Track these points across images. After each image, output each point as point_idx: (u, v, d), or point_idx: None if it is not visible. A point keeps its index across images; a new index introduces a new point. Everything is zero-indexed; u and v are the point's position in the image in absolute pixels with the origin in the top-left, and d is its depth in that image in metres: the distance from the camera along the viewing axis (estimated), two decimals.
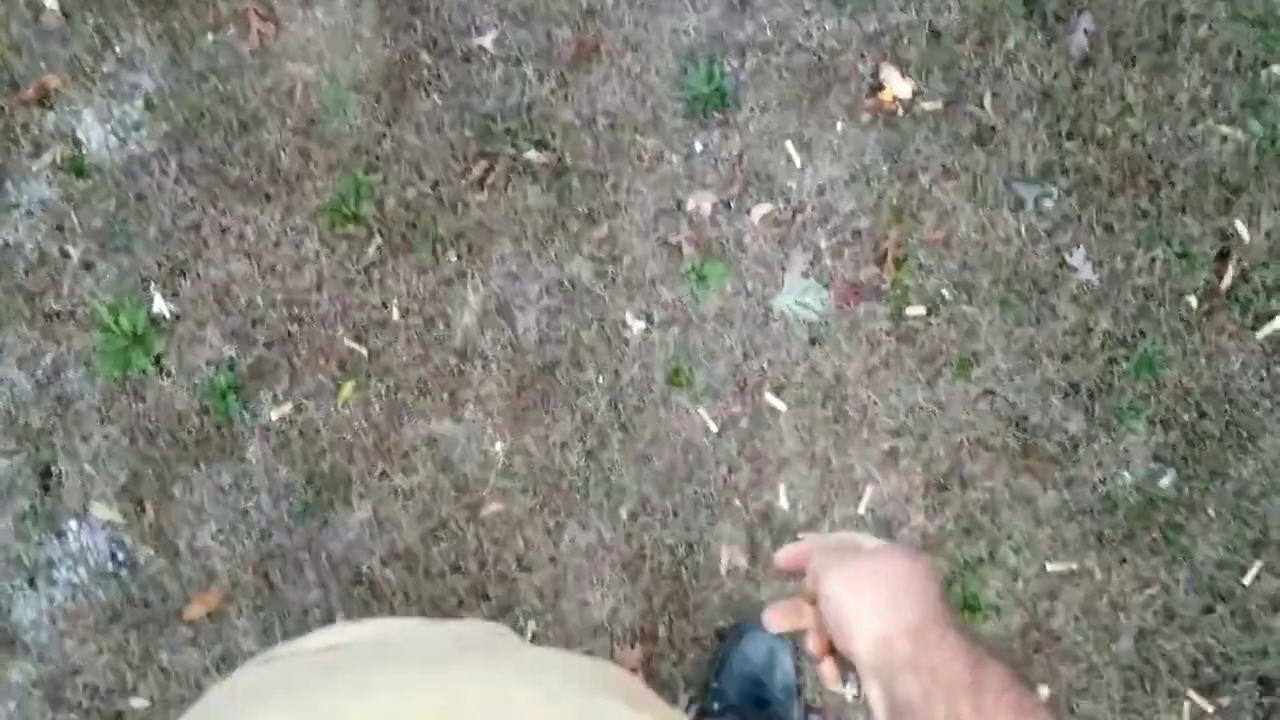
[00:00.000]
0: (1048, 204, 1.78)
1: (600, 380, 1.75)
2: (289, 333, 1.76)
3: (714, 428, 1.74)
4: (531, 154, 1.80)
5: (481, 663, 0.72)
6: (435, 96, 1.82)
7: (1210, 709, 1.66)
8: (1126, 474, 1.72)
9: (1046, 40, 1.81)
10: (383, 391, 1.75)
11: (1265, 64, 1.81)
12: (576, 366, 1.76)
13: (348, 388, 1.75)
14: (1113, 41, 1.81)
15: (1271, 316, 1.75)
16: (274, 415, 1.75)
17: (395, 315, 1.77)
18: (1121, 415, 1.73)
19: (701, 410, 1.75)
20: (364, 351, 1.76)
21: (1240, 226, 1.77)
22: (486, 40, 1.83)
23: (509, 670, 0.69)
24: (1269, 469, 1.71)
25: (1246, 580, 1.69)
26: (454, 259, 1.78)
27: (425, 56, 1.83)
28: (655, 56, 1.83)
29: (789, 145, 1.80)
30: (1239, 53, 1.81)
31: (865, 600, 0.64)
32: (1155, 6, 1.82)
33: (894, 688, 0.60)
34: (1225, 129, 1.79)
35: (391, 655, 0.73)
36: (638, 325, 1.77)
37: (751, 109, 1.81)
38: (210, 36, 1.84)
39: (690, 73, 1.81)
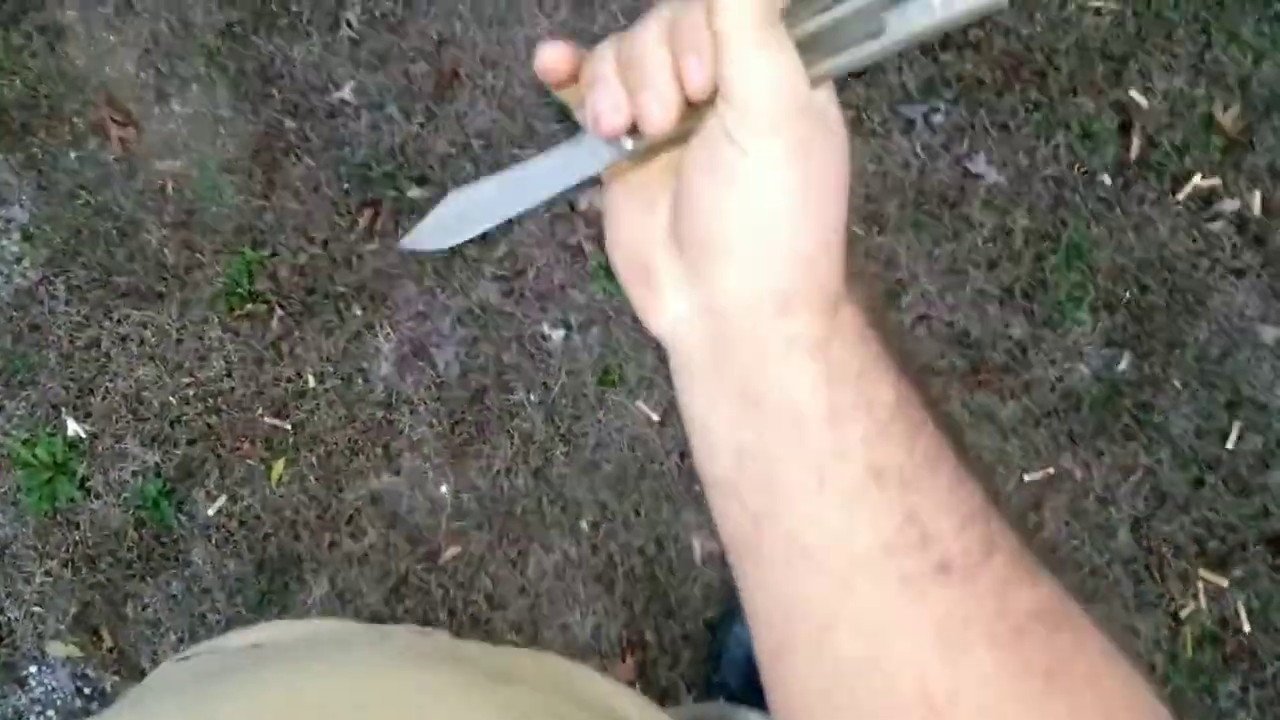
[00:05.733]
0: (937, 119, 1.74)
1: (531, 397, 1.70)
2: (209, 425, 1.72)
3: (655, 417, 1.69)
4: (414, 191, 1.77)
5: (414, 663, 0.65)
6: (306, 159, 1.79)
7: (1225, 583, 1.58)
8: (1082, 366, 1.66)
9: None
10: (315, 461, 1.70)
11: None
12: (505, 389, 1.71)
13: (279, 466, 1.70)
14: None
15: (1188, 176, 1.71)
16: (210, 511, 1.69)
17: (312, 382, 1.72)
18: (1063, 309, 1.67)
19: (639, 403, 1.69)
20: (288, 426, 1.71)
21: (1136, 95, 1.73)
22: (345, 92, 1.80)
23: (431, 666, 0.62)
24: (1224, 326, 1.66)
25: (1230, 444, 1.62)
26: (359, 313, 1.74)
27: (289, 122, 1.80)
28: (516, 69, 1.80)
29: None
30: None
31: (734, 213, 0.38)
32: None
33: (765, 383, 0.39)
34: (1097, 2, 1.76)
35: (321, 654, 0.66)
36: (557, 334, 1.72)
37: None
38: (73, 154, 1.81)
39: None
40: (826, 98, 0.39)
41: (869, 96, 1.75)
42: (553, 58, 0.41)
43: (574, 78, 0.41)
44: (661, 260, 0.41)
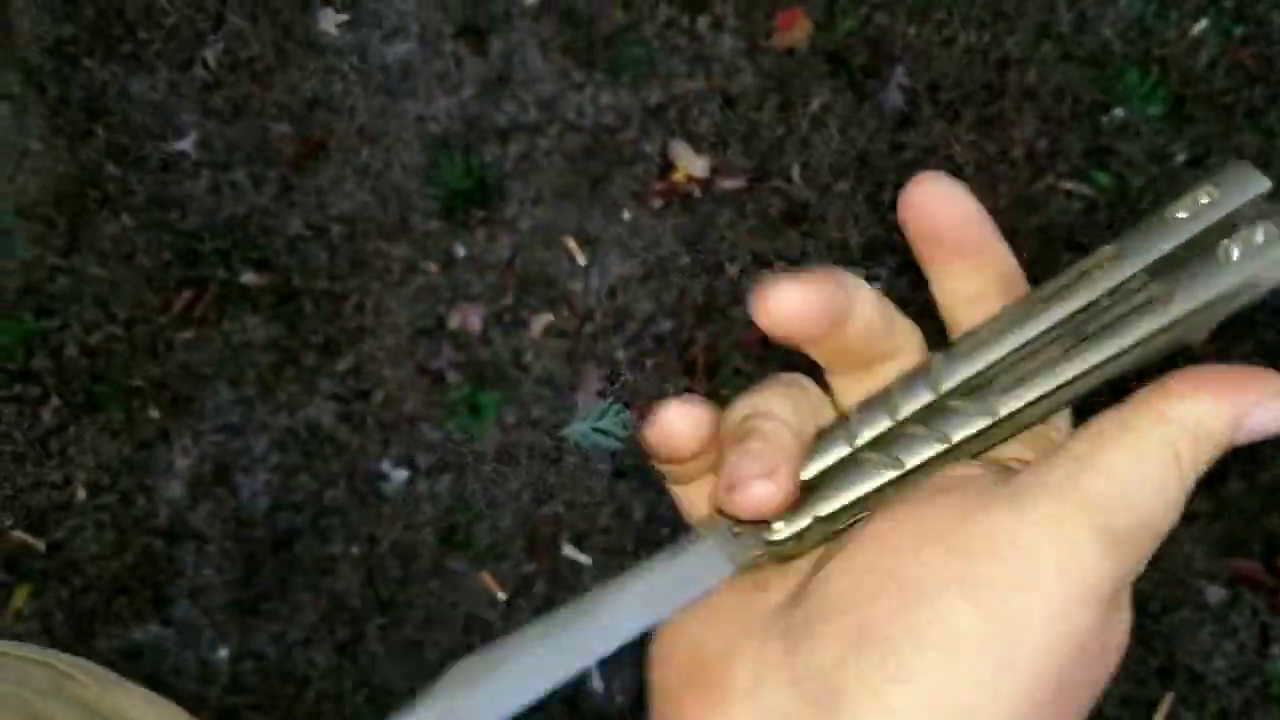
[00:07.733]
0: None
1: (353, 551, 1.39)
2: None
3: (502, 595, 1.39)
4: (249, 276, 1.46)
5: None
6: (125, 216, 1.47)
7: None
8: None
9: (857, 99, 1.56)
10: (66, 596, 1.36)
11: (1105, 108, 1.58)
12: (320, 537, 1.39)
13: (21, 593, 1.35)
14: (932, 96, 1.56)
15: None
16: None
17: (81, 494, 1.39)
18: None
19: (485, 574, 1.39)
20: (41, 545, 1.37)
21: None
22: (187, 143, 1.49)
23: None
24: (1166, 578, 1.43)
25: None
26: (154, 415, 1.41)
27: (111, 168, 1.48)
28: (399, 149, 1.51)
29: (569, 242, 1.50)
30: (1074, 98, 1.58)
31: None
32: (975, 53, 1.58)
33: None
34: (1069, 184, 1.55)
35: None
36: (398, 475, 1.42)
37: (521, 202, 1.51)
38: None
39: (443, 165, 1.50)
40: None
41: (805, 247, 1.51)
42: (684, 420, 0.28)
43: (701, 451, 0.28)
44: (748, 664, 0.26)
